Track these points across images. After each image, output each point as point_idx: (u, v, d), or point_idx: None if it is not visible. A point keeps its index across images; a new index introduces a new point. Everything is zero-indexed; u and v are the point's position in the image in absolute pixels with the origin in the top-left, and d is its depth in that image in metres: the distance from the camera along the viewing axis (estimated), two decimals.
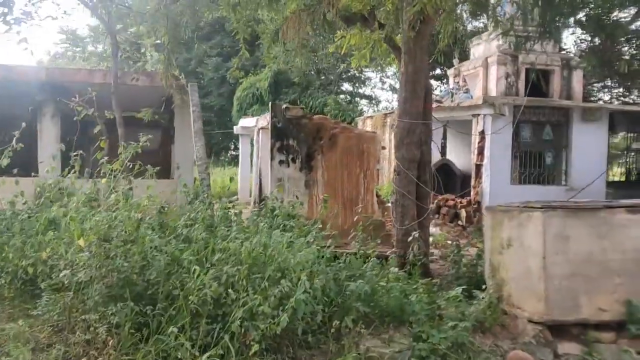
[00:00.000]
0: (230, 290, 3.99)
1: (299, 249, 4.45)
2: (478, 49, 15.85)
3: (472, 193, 11.94)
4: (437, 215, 12.04)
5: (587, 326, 5.12)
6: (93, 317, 3.95)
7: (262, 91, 30.35)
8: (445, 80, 24.95)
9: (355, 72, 32.99)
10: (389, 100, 36.98)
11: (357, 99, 35.48)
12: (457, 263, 6.65)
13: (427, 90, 7.55)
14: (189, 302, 3.93)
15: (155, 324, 3.99)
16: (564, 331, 5.12)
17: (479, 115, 11.63)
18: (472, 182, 12.06)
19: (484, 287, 5.66)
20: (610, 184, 15.59)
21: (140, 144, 4.79)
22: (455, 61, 16.44)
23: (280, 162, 10.27)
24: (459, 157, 15.60)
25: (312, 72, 29.55)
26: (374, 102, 36.52)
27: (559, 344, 5.02)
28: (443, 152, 18.97)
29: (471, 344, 4.69)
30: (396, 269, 5.78)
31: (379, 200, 11.34)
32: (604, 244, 5.13)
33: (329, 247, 7.71)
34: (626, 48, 25.13)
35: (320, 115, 10.48)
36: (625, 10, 21.48)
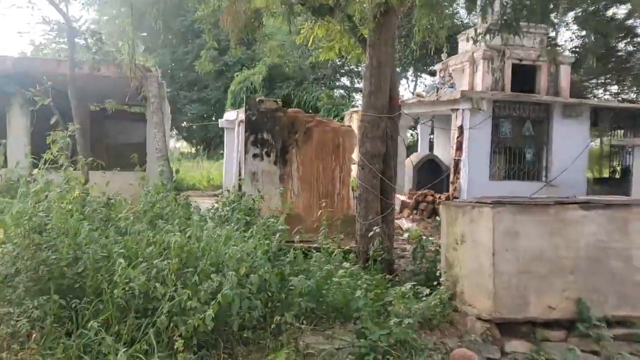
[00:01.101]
0: (157, 285, 3.88)
1: (236, 243, 4.34)
2: (466, 44, 15.71)
3: (450, 188, 11.84)
4: (415, 211, 11.94)
5: (537, 324, 5.03)
6: (17, 310, 3.86)
7: (256, 85, 30.20)
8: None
9: (353, 66, 32.81)
10: None
11: (354, 93, 35.27)
12: (416, 259, 6.55)
13: (393, 84, 7.43)
14: (115, 296, 3.82)
15: (82, 317, 3.90)
16: (513, 329, 5.02)
17: (457, 110, 11.50)
18: (451, 178, 11.95)
19: (435, 283, 5.57)
20: (596, 181, 15.49)
21: (68, 134, 4.65)
22: (443, 56, 16.31)
23: (255, 155, 10.15)
24: (445, 152, 15.48)
25: (303, 67, 29.34)
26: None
27: (507, 342, 4.93)
28: (431, 147, 18.91)
29: (414, 341, 4.60)
30: (347, 264, 5.67)
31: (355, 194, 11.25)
32: (556, 241, 5.02)
33: (288, 241, 7.65)
34: (622, 45, 25.01)
35: (295, 109, 10.35)
36: (621, 7, 21.37)
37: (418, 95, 13.90)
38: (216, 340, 4.38)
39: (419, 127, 18.67)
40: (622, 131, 14.64)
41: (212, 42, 8.13)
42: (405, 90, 32.21)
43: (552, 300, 4.97)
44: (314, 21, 7.71)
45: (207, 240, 4.24)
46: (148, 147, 9.67)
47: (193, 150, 38.40)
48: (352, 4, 6.69)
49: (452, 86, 14.57)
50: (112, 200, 5.20)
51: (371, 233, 6.73)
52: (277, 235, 5.41)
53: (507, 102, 11.63)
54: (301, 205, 10.25)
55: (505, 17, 6.51)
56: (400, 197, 11.86)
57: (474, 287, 5.19)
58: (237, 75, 29.78)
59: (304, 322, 4.78)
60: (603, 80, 27.33)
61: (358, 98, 35.84)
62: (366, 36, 7.24)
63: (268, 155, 10.25)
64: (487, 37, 14.26)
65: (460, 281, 5.43)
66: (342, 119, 21.71)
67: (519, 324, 5.00)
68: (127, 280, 3.89)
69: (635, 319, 5.09)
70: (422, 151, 18.01)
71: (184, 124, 33.34)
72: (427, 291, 5.17)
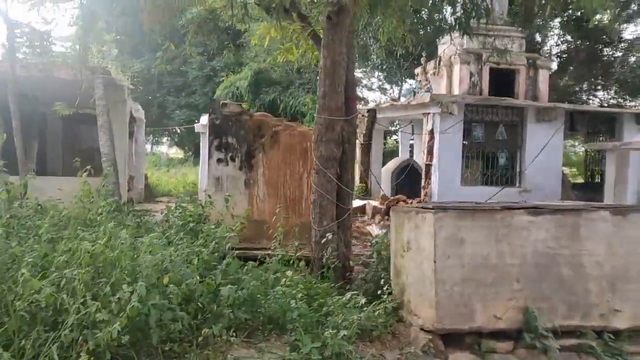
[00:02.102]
0: (64, 296, 3.63)
1: (154, 251, 4.10)
2: (443, 48, 15.59)
3: (422, 194, 11.63)
4: (387, 217, 11.70)
5: (483, 335, 4.81)
6: None
7: (242, 90, 30.01)
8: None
9: None
10: (376, 100, 36.66)
11: None
12: (367, 266, 6.33)
13: (350, 86, 7.22)
14: (17, 308, 3.57)
15: None
16: (458, 340, 4.80)
17: (428, 114, 11.32)
18: (422, 183, 11.74)
19: (379, 292, 5.34)
20: (576, 186, 15.34)
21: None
22: (422, 60, 16.17)
23: (219, 160, 9.90)
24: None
25: (289, 71, 29.18)
26: (362, 102, 36.14)
27: (450, 354, 4.71)
28: (412, 152, 18.74)
29: (349, 354, 4.37)
30: (290, 272, 5.43)
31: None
32: (502, 248, 4.81)
33: (240, 248, 7.39)
34: (608, 50, 25.00)
35: (262, 113, 10.12)
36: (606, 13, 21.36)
37: (392, 100, 13.71)
38: (137, 353, 4.14)
39: (399, 132, 18.54)
40: (601, 136, 14.51)
41: (170, 43, 7.90)
42: (392, 94, 32.10)
43: (498, 309, 4.75)
44: (269, 22, 7.50)
45: (122, 249, 3.98)
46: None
47: (183, 155, 38.22)
48: (304, 3, 6.48)
49: (428, 90, 14.42)
50: (39, 207, 4.93)
51: (324, 240, 6.50)
52: (214, 242, 5.15)
53: (479, 106, 11.45)
54: (267, 211, 9.99)
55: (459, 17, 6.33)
56: (372, 203, 11.65)
57: (418, 296, 4.97)
58: (222, 81, 29.62)
59: (236, 334, 4.55)
60: (590, 86, 27.28)
61: None
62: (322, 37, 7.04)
63: (233, 160, 10.01)
64: (464, 40, 14.22)
65: (407, 290, 5.20)
66: None
67: (464, 335, 4.78)
68: (33, 291, 3.64)
69: (586, 328, 4.88)
70: (402, 156, 17.83)
71: (174, 129, 33.06)
72: (364, 300, 4.92)
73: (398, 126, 19.51)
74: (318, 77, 6.77)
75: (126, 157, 9.73)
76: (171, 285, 4.00)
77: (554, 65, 26.26)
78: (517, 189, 11.60)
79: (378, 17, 7.67)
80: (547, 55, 25.54)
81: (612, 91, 26.24)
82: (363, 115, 14.98)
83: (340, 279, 6.31)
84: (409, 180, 14.19)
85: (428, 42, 13.01)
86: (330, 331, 4.47)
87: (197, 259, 4.89)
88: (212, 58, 31.66)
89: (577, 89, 26.85)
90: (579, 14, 20.85)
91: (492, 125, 11.78)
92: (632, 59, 23.08)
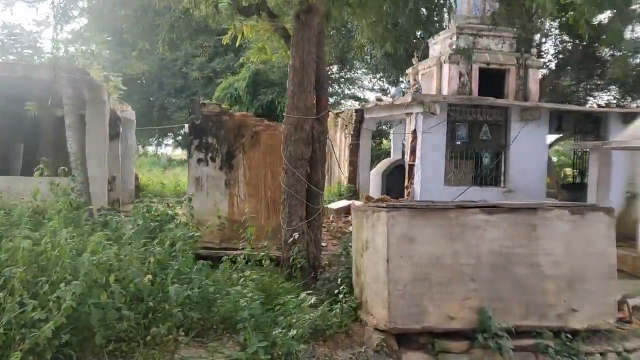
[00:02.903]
0: (0, 294, 3.62)
1: (96, 250, 4.08)
2: (435, 48, 15.53)
3: (405, 194, 11.59)
4: None
5: (437, 335, 4.77)
6: None
7: (240, 91, 29.98)
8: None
9: (341, 73, 32.69)
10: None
11: (345, 100, 34.95)
12: (331, 265, 6.30)
13: (321, 85, 7.20)
14: None
15: None
16: (411, 340, 4.77)
17: (411, 114, 11.27)
18: (405, 183, 11.70)
19: (336, 292, 5.31)
20: (564, 186, 15.25)
21: None
22: (414, 60, 16.13)
23: (199, 160, 9.86)
24: None
25: (287, 72, 29.14)
26: (362, 103, 35.98)
27: (403, 354, 4.67)
28: (404, 152, 18.67)
29: (299, 353, 4.35)
30: (249, 272, 5.41)
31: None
32: (456, 247, 4.78)
33: (211, 248, 7.36)
34: (606, 50, 24.82)
35: (243, 112, 10.09)
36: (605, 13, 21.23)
37: (377, 99, 13.67)
38: (83, 353, 4.13)
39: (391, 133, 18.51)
40: (588, 135, 14.39)
41: (145, 43, 7.89)
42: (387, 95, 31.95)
43: (452, 309, 4.71)
44: (241, 21, 7.48)
45: (64, 248, 3.96)
46: (88, 152, 9.42)
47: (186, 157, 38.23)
48: (275, 2, 6.46)
49: (417, 90, 14.36)
50: None
51: (291, 239, 6.48)
52: (170, 242, 5.12)
53: (462, 106, 11.39)
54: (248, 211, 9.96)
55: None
56: (356, 203, 11.60)
57: (374, 296, 4.94)
58: (220, 82, 29.61)
59: (187, 333, 4.53)
60: (587, 86, 27.08)
61: (348, 105, 35.59)
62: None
63: (213, 160, 9.96)
64: (454, 40, 14.16)
65: (365, 289, 5.17)
66: None
67: (418, 335, 4.74)
68: None
69: (543, 328, 4.84)
70: (394, 157, 17.77)
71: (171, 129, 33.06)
72: (314, 299, 4.89)
73: (387, 126, 19.55)
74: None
75: (105, 157, 9.71)
76: (113, 284, 3.97)
77: (552, 66, 26.12)
78: (502, 189, 11.54)
79: (350, 17, 7.60)
80: (545, 55, 25.40)
81: (612, 91, 26.06)
82: (351, 116, 14.95)
83: (308, 279, 6.29)
84: (400, 181, 14.14)
85: (407, 40, 12.95)
86: (280, 330, 4.46)
87: (153, 259, 4.88)
88: (213, 59, 31.66)
89: (574, 89, 26.69)
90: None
91: (476, 125, 11.72)
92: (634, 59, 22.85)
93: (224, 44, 7.81)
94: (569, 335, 4.85)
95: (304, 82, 6.77)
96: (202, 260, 4.89)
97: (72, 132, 7.33)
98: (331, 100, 33.60)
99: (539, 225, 4.90)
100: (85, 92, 9.19)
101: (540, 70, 19.53)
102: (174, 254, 5.14)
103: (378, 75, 32.28)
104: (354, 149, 14.86)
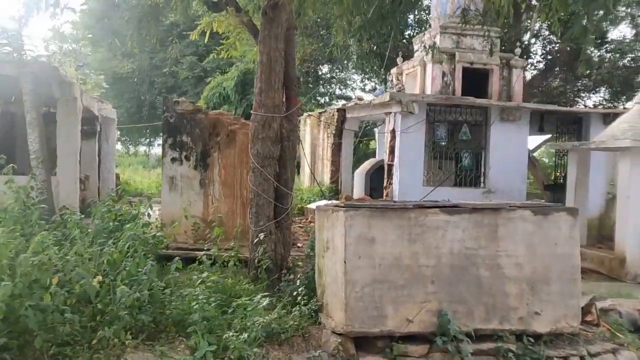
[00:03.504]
0: None
1: (36, 249, 3.92)
2: (419, 48, 15.44)
3: (383, 194, 11.48)
4: None
5: (396, 338, 4.65)
6: None
7: (228, 91, 29.78)
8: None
9: (332, 73, 32.55)
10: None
11: (337, 100, 34.76)
12: (295, 266, 6.17)
13: (290, 82, 7.07)
14: None
15: None
16: (370, 344, 4.64)
17: (390, 113, 11.17)
18: (384, 183, 11.58)
19: (295, 293, 5.18)
20: (548, 187, 15.20)
21: None
22: (399, 60, 16.03)
23: (173, 159, 9.71)
24: None
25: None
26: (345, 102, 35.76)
27: (361, 358, 4.55)
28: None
29: (250, 357, 4.21)
30: (205, 274, 5.27)
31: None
32: (415, 248, 4.66)
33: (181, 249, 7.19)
34: (596, 52, 24.80)
35: (218, 111, 9.94)
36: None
37: (358, 99, 13.55)
38: (23, 357, 3.98)
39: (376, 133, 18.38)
40: (569, 136, 14.34)
41: (115, 39, 7.75)
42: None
43: (411, 312, 4.59)
44: (210, 16, 7.34)
45: (2, 248, 3.81)
46: (59, 150, 9.24)
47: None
48: None
49: (399, 90, 14.26)
50: None
51: (256, 240, 6.35)
52: (124, 242, 4.97)
53: (441, 106, 11.29)
54: (223, 211, 9.81)
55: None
56: (335, 203, 11.48)
57: (332, 298, 4.81)
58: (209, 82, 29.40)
59: (136, 336, 4.39)
60: (574, 87, 27.10)
61: (340, 104, 35.37)
62: None
63: (187, 159, 9.81)
64: (437, 39, 14.05)
65: (326, 291, 5.04)
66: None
67: (376, 338, 4.62)
68: None
69: (504, 332, 4.72)
70: (379, 157, 17.65)
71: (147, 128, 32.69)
72: (267, 302, 4.76)
73: (373, 126, 19.41)
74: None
75: (76, 156, 9.51)
76: (54, 286, 3.81)
77: (541, 66, 26.10)
78: (481, 189, 11.46)
79: (316, 14, 7.45)
80: (533, 56, 25.41)
81: (600, 93, 26.06)
82: (333, 115, 14.83)
83: (274, 280, 6.15)
84: (382, 181, 14.03)
85: (378, 37, 12.74)
86: (233, 334, 4.32)
87: (104, 260, 4.73)
88: (203, 59, 31.43)
89: (562, 90, 26.69)
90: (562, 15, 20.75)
91: (457, 125, 11.63)
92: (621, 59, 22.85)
93: (192, 39, 7.65)
94: (531, 339, 4.75)
95: (271, 79, 6.64)
96: (151, 262, 4.70)
97: (32, 130, 7.15)
98: (321, 100, 33.48)
99: (501, 226, 4.79)
100: (54, 89, 8.99)
101: (527, 70, 19.46)
102: (129, 254, 5.00)
103: (367, 76, 32.21)
104: (336, 149, 14.74)
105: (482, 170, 11.66)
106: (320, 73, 31.45)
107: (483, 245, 4.75)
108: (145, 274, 4.52)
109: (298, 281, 5.41)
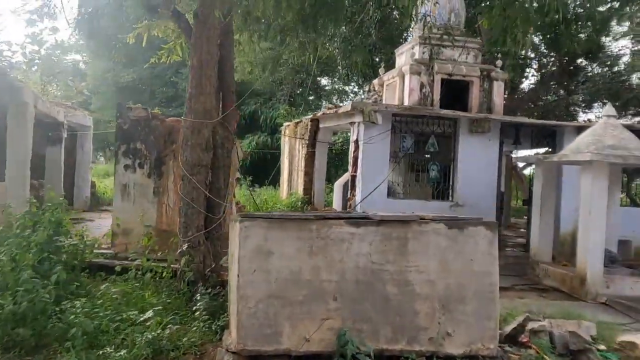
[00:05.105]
0: None
1: None
2: (400, 59, 15.23)
3: (347, 206, 11.19)
4: None
5: (297, 358, 4.34)
6: None
7: None
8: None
9: (320, 84, 32.42)
10: None
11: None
12: (210, 279, 5.88)
13: (227, 88, 6.84)
14: None
15: None
16: None
17: (354, 123, 10.90)
18: (348, 195, 11.28)
19: (194, 308, 4.89)
20: (524, 202, 14.87)
21: None
22: (381, 70, 15.83)
23: (126, 166, 9.49)
24: None
25: (273, 82, 28.84)
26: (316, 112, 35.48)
27: None
28: None
29: None
30: (106, 285, 4.99)
31: (239, 208, 10.59)
32: (317, 262, 4.37)
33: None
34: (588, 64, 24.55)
35: (173, 118, 9.71)
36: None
37: (328, 108, 13.32)
38: None
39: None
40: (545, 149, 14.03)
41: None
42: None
43: (310, 330, 4.28)
44: (149, 20, 7.14)
45: None
46: (8, 155, 9.02)
47: None
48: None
49: (375, 100, 14.03)
50: None
51: (180, 251, 6.08)
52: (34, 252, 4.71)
53: (407, 116, 11.02)
54: (177, 221, 9.55)
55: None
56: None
57: (231, 314, 4.52)
58: None
59: (15, 351, 4.12)
60: (568, 100, 26.78)
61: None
62: None
63: (141, 166, 9.59)
64: (417, 50, 13.82)
65: (231, 306, 4.75)
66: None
67: (272, 357, 4.31)
68: None
69: (411, 353, 4.41)
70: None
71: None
72: (151, 314, 4.47)
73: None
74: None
75: (27, 162, 9.29)
76: None
77: (534, 81, 25.83)
78: (449, 202, 11.13)
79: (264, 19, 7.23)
80: (528, 70, 25.20)
81: (596, 108, 25.72)
82: (307, 125, 14.59)
83: (194, 292, 5.87)
84: None
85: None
86: (111, 350, 4.04)
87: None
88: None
89: (555, 104, 26.39)
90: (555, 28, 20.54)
91: (422, 136, 11.35)
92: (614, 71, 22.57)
93: (128, 42, 7.44)
94: None
95: (202, 83, 6.41)
96: (34, 274, 4.42)
97: None
98: (319, 112, 33.32)
99: (412, 240, 4.49)
100: (3, 94, 8.81)
101: (521, 83, 19.13)
102: (24, 263, 4.74)
103: (360, 88, 32.05)
104: (310, 159, 14.47)
105: (451, 183, 11.35)
106: (321, 84, 31.35)
107: (391, 260, 4.45)
108: (33, 285, 4.23)
109: (208, 296, 5.12)
